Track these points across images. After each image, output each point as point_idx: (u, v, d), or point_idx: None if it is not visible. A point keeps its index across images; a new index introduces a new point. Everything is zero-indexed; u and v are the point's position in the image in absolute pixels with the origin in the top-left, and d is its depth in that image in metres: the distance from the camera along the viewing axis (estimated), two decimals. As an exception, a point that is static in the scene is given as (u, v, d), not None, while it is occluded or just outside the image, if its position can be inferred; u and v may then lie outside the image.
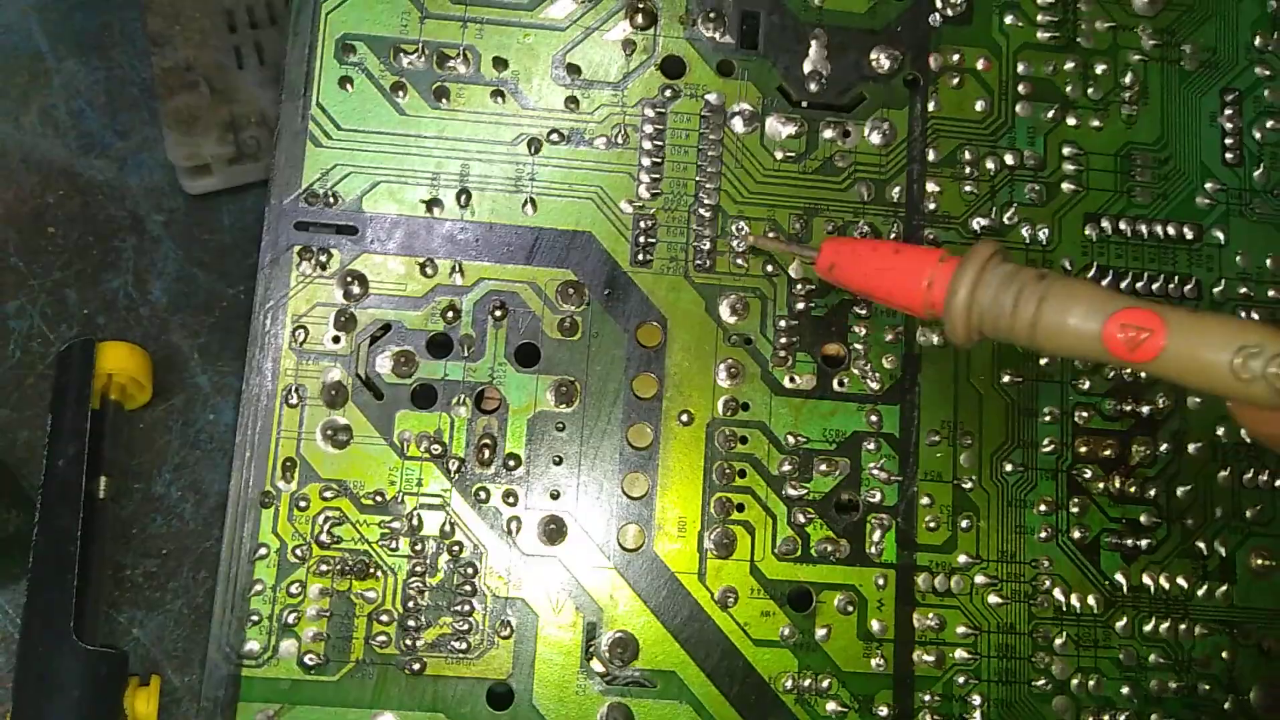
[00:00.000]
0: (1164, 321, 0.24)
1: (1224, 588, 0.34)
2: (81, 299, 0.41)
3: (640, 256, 0.34)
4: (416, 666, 0.32)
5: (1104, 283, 0.35)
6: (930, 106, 0.36)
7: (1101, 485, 0.34)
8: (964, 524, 0.34)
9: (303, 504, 0.32)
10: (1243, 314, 0.36)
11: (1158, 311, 0.25)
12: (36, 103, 0.42)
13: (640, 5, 0.35)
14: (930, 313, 0.29)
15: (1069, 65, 0.36)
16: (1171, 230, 0.36)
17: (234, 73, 0.40)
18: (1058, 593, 0.34)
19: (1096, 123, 0.36)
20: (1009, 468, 0.34)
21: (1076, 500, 0.34)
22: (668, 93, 0.35)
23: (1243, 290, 0.36)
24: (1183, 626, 0.34)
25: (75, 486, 0.35)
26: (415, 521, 0.32)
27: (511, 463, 0.33)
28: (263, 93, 0.39)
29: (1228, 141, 0.36)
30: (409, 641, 0.32)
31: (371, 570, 0.32)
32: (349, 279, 0.33)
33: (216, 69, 0.39)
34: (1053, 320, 0.26)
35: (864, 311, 0.34)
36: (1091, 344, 0.26)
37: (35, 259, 0.41)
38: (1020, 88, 0.36)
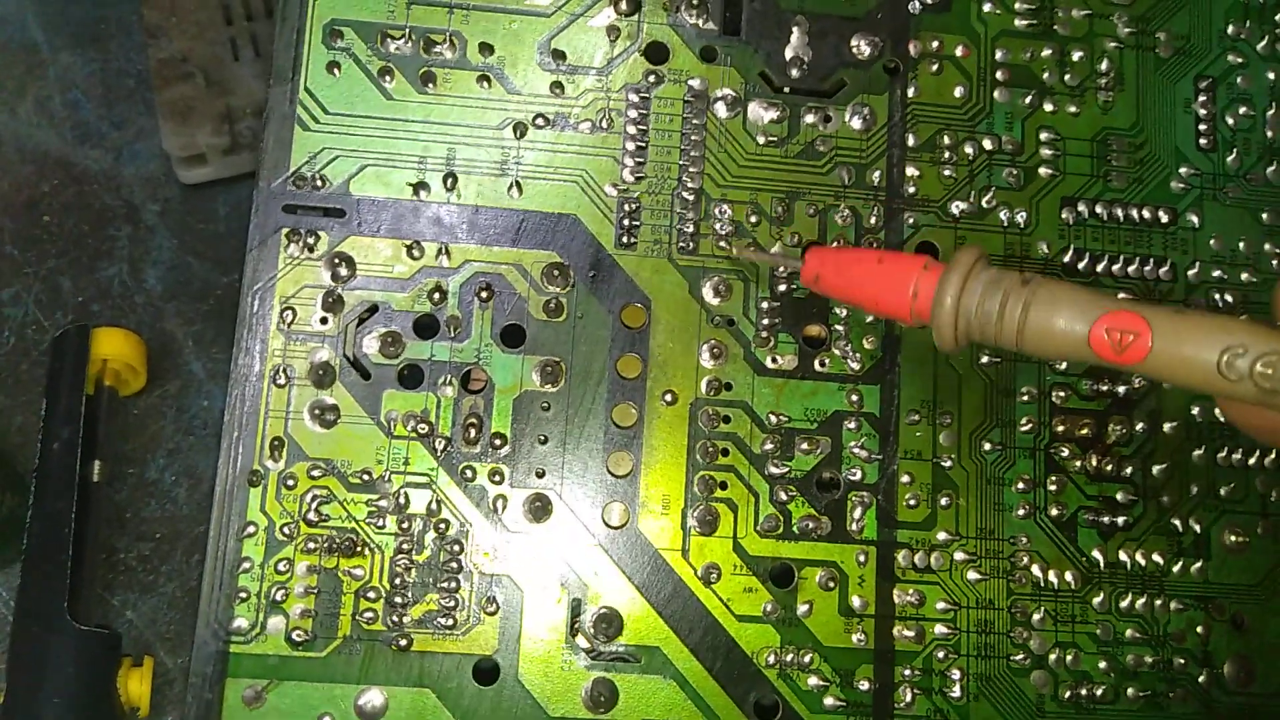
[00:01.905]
0: (1149, 324, 0.25)
1: (1199, 564, 0.35)
2: (76, 287, 0.41)
3: (624, 239, 0.35)
4: (403, 642, 0.32)
5: (1081, 266, 0.36)
6: (910, 92, 0.36)
7: (1079, 463, 0.35)
8: (943, 501, 0.34)
9: (290, 483, 0.33)
10: (1217, 296, 0.36)
11: (1143, 313, 0.25)
12: (32, 93, 0.43)
13: (624, -8, 0.36)
14: (917, 320, 0.29)
15: (1046, 52, 0.37)
16: (1147, 214, 0.36)
17: (229, 64, 0.40)
18: (1035, 569, 0.34)
19: (1073, 108, 0.37)
20: (988, 446, 0.35)
21: (1054, 478, 0.35)
22: (651, 78, 0.36)
23: (1216, 273, 0.36)
24: (1158, 602, 0.34)
25: (69, 470, 0.35)
26: (402, 500, 0.33)
27: (498, 442, 0.33)
28: (258, 84, 0.40)
29: (1201, 127, 0.37)
30: (396, 618, 0.32)
31: (359, 548, 0.33)
32: (336, 261, 0.34)
33: (212, 60, 0.40)
34: (1039, 325, 0.26)
35: (844, 293, 0.35)
36: (1079, 347, 0.26)
37: (31, 247, 0.41)
38: (998, 74, 0.37)
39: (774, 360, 0.35)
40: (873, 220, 0.35)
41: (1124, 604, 0.34)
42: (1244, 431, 0.27)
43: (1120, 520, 0.35)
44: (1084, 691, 0.34)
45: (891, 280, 0.29)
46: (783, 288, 0.35)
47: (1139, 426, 0.35)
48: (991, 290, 0.27)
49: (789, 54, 0.36)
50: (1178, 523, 0.35)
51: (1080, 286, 0.27)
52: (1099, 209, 0.36)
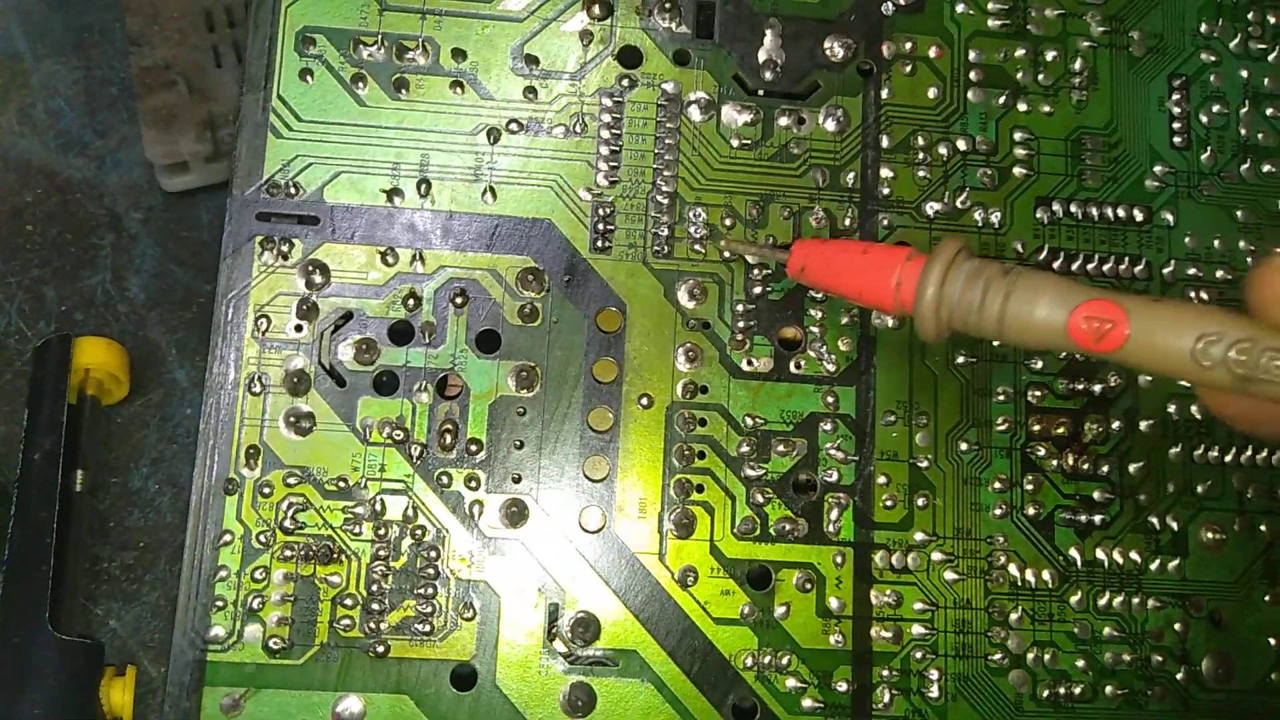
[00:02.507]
0: (1126, 312, 0.25)
1: (1176, 561, 0.35)
2: (59, 296, 0.41)
3: (599, 243, 0.35)
4: (381, 649, 0.32)
5: (1056, 265, 0.36)
6: (884, 94, 0.36)
7: (1055, 463, 0.35)
8: (920, 502, 0.34)
9: (266, 490, 0.33)
10: (1192, 294, 0.36)
11: (1120, 302, 0.25)
12: (15, 102, 0.43)
13: (597, -3, 0.36)
14: (901, 310, 0.29)
15: (1020, 52, 0.37)
16: (1121, 212, 0.36)
17: (212, 72, 0.40)
18: (1013, 568, 0.34)
19: (1047, 108, 0.37)
20: (964, 446, 0.35)
21: (1030, 477, 0.35)
22: (625, 82, 0.36)
23: (1191, 271, 0.36)
24: (1136, 600, 0.34)
25: (51, 480, 0.35)
26: (378, 506, 0.33)
27: (474, 447, 0.34)
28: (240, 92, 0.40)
29: (1175, 126, 0.37)
30: (373, 625, 0.32)
31: (335, 555, 0.33)
32: (310, 268, 0.34)
33: (195, 68, 0.40)
34: (1019, 314, 0.27)
35: (820, 295, 0.35)
36: (1057, 336, 0.26)
37: (13, 256, 0.41)
38: (972, 75, 0.37)
39: (749, 363, 0.35)
40: (847, 222, 0.36)
41: (1102, 602, 0.34)
42: (1221, 419, 0.27)
43: (1097, 519, 0.35)
44: (1062, 690, 0.34)
45: (875, 271, 0.29)
46: (758, 290, 0.35)
47: (1115, 425, 0.35)
48: (973, 280, 0.27)
49: (762, 57, 0.36)
50: (1155, 521, 0.35)
51: (1060, 276, 0.27)
52: (1074, 208, 0.36)
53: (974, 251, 0.28)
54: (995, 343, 0.29)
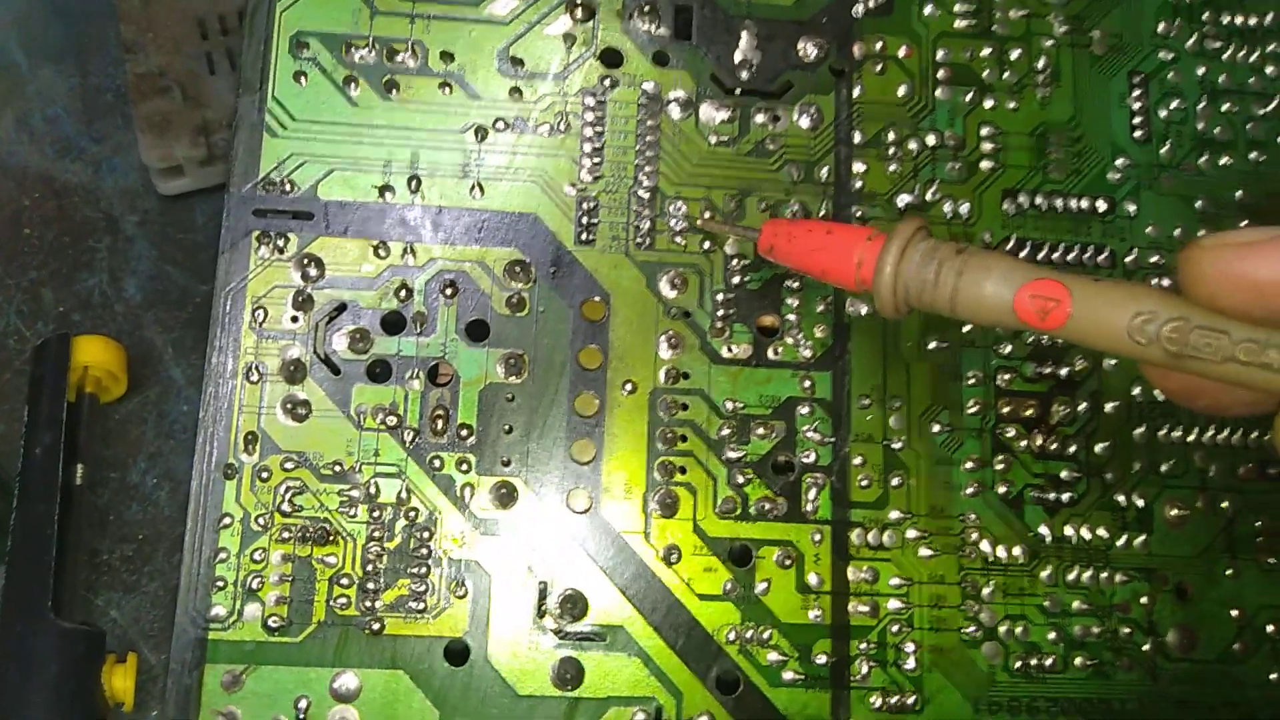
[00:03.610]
0: (1069, 290, 0.26)
1: (1142, 537, 0.36)
2: (57, 297, 0.42)
3: (583, 236, 0.36)
4: (376, 626, 0.33)
5: (1022, 254, 0.37)
6: (855, 92, 0.38)
7: (1024, 443, 0.36)
8: (895, 482, 0.36)
9: (264, 475, 0.34)
10: (1154, 281, 0.38)
11: (1064, 281, 0.26)
12: (12, 110, 0.43)
13: (579, 0, 0.37)
14: (862, 288, 0.30)
15: (986, 51, 0.38)
16: (1085, 204, 0.38)
17: (205, 78, 0.41)
18: (985, 545, 0.35)
19: (1012, 104, 0.38)
20: (936, 428, 0.36)
21: (1001, 458, 0.36)
22: (607, 82, 0.37)
23: (1154, 259, 0.38)
24: (1104, 574, 0.36)
25: (52, 475, 0.36)
26: (373, 490, 0.34)
27: (464, 432, 0.35)
28: (233, 97, 0.40)
29: (1136, 120, 0.39)
30: (368, 603, 0.33)
31: (331, 537, 0.34)
32: (305, 262, 0.35)
33: (189, 75, 0.41)
34: (970, 292, 0.27)
35: (796, 284, 0.36)
36: (1005, 313, 0.27)
37: (12, 259, 0.42)
38: (940, 73, 0.38)
39: (729, 350, 0.36)
40: (822, 214, 0.37)
41: (1071, 577, 0.36)
42: (1160, 391, 0.28)
43: (1065, 497, 0.36)
44: (1034, 662, 0.35)
45: (838, 250, 0.30)
46: (736, 280, 0.36)
47: (1081, 407, 0.37)
48: (928, 258, 0.28)
49: (738, 57, 0.38)
50: (1121, 498, 0.36)
51: (1009, 256, 0.28)
52: (1039, 199, 0.38)
53: (931, 231, 0.29)
54: (949, 318, 0.30)
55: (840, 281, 0.31)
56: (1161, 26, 0.39)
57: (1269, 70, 0.39)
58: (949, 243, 0.28)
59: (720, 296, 0.36)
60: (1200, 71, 0.39)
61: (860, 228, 0.31)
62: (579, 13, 0.37)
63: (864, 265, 0.30)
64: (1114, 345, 0.25)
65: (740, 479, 0.35)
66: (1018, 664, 0.35)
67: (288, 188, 0.35)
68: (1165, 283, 0.37)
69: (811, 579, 0.35)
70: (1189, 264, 0.24)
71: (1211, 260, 0.24)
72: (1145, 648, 0.35)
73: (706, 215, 0.36)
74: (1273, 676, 0.36)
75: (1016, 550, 0.36)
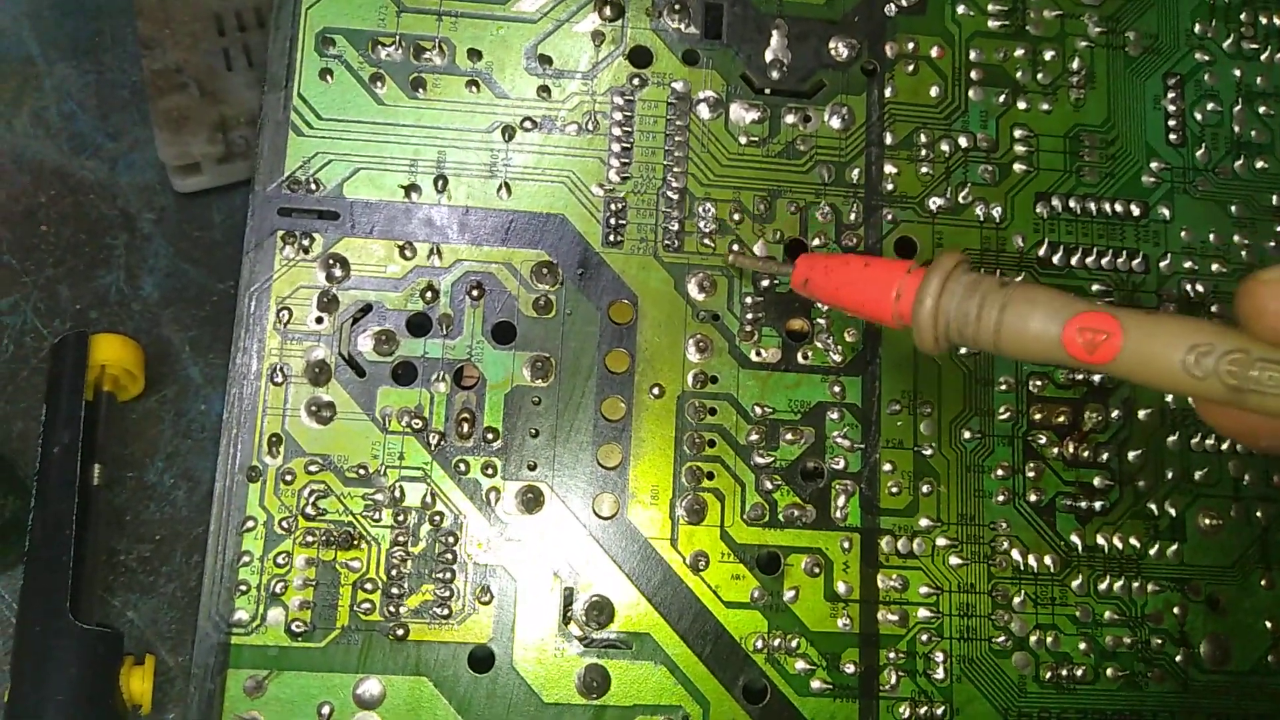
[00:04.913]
0: (1120, 323, 0.25)
1: (1174, 546, 0.36)
2: (74, 295, 0.42)
3: (611, 237, 0.36)
4: (400, 632, 0.33)
5: (1056, 259, 0.37)
6: (887, 92, 0.37)
7: (1056, 450, 0.36)
8: (925, 489, 0.35)
9: (289, 478, 0.33)
10: (1188, 287, 0.37)
11: (1114, 314, 0.25)
12: (28, 105, 0.43)
13: (608, -2, 0.37)
14: (900, 323, 0.29)
15: (1019, 52, 0.38)
16: (1119, 208, 0.37)
17: (223, 74, 0.41)
18: (1015, 553, 0.35)
19: (1046, 106, 0.38)
20: (967, 435, 0.36)
21: (1032, 465, 0.36)
22: (635, 81, 0.37)
23: (1188, 264, 0.37)
24: (1135, 584, 0.35)
25: (70, 473, 0.35)
26: (397, 493, 0.34)
27: (490, 436, 0.34)
28: (251, 94, 0.40)
29: (1171, 123, 0.38)
30: (392, 608, 0.33)
31: (355, 541, 0.33)
32: (331, 262, 0.35)
33: (206, 71, 0.41)
34: (1014, 326, 0.27)
35: (826, 288, 0.36)
36: (1052, 348, 0.26)
37: (28, 256, 0.42)
38: (973, 74, 0.38)
39: (758, 353, 0.35)
40: (852, 217, 0.36)
41: (1102, 586, 0.35)
42: (1218, 431, 0.27)
43: (1097, 505, 0.36)
44: (1064, 672, 0.35)
45: (876, 283, 0.30)
46: (765, 283, 0.36)
47: (1114, 414, 0.36)
48: (970, 292, 0.28)
49: (769, 56, 0.37)
50: (1153, 507, 0.36)
51: (1056, 289, 0.27)
52: (1072, 203, 0.37)
53: (972, 265, 0.29)
54: (990, 353, 0.29)
55: (877, 316, 0.30)
56: (1198, 28, 0.39)
57: (1306, 73, 0.39)
58: (991, 276, 0.28)
59: (749, 299, 0.36)
60: (1237, 73, 0.39)
61: (899, 261, 0.30)
62: (608, 10, 0.37)
63: (903, 298, 0.29)
64: (1168, 380, 0.24)
65: (769, 485, 0.35)
66: (1048, 674, 0.35)
67: (313, 187, 0.35)
68: (1200, 288, 0.37)
69: (840, 587, 0.34)
70: (1248, 298, 0.23)
71: (1274, 294, 0.23)
72: (1177, 659, 0.35)
73: (736, 249, 0.36)
74: (1306, 689, 0.35)
75: (1047, 559, 0.35)
